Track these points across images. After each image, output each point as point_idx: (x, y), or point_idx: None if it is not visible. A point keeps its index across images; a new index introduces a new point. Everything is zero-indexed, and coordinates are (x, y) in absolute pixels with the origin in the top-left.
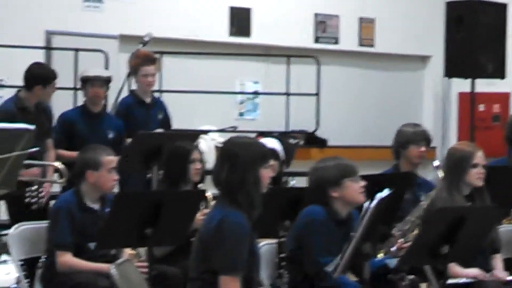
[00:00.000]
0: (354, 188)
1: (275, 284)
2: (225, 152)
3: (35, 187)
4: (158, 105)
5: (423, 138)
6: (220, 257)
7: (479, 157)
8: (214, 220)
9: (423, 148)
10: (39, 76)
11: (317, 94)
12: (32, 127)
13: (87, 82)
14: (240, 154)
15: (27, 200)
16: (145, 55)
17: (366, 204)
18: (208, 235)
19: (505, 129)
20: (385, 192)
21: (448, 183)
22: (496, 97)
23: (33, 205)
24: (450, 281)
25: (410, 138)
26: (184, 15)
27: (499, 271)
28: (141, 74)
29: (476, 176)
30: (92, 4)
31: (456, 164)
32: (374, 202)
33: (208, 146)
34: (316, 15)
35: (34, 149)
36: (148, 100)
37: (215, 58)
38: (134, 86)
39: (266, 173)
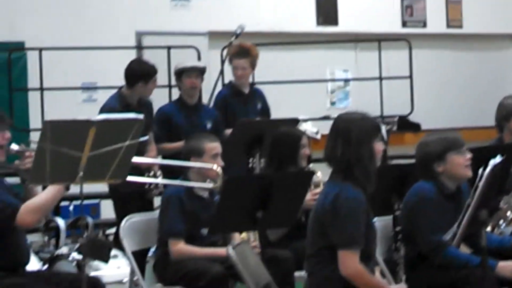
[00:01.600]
0: (459, 162)
1: (392, 258)
2: (337, 128)
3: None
4: (256, 95)
5: None
6: (338, 232)
7: None
8: (329, 196)
9: None
10: (141, 73)
11: (410, 77)
12: (141, 116)
13: (182, 73)
14: (353, 129)
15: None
16: (237, 47)
17: (480, 170)
18: (324, 211)
19: None
20: (498, 158)
21: None
22: None
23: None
24: None
25: None
26: (270, 7)
27: None
28: (233, 66)
29: None
30: (180, 2)
31: None
32: (488, 168)
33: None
34: None
35: (144, 138)
36: (246, 90)
37: (303, 48)
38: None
39: (379, 146)
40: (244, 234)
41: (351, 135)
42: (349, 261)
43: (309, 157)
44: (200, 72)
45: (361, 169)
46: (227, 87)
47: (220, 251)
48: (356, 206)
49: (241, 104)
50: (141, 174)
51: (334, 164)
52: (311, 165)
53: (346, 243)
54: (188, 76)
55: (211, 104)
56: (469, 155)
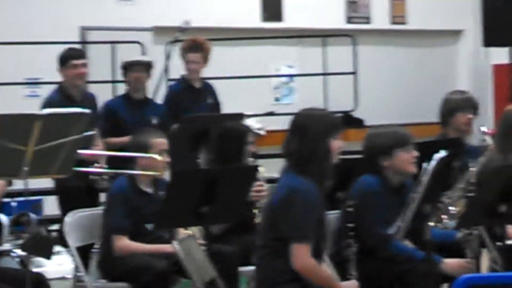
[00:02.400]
0: (405, 158)
1: (341, 253)
2: (295, 123)
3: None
4: (208, 90)
5: (471, 105)
6: (290, 225)
7: None
8: (284, 188)
9: (470, 115)
10: (60, 57)
11: (354, 73)
12: (87, 111)
13: (128, 68)
14: (310, 126)
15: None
16: (192, 42)
17: (424, 165)
18: (278, 204)
19: None
20: (442, 152)
21: (501, 144)
22: None
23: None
24: (509, 242)
25: (458, 106)
26: (216, 3)
27: None
28: (186, 60)
29: None
30: None
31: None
32: (433, 162)
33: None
34: None
35: (89, 133)
36: (197, 85)
37: (248, 44)
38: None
39: (337, 144)
40: (189, 229)
41: (308, 131)
42: (301, 254)
43: (253, 153)
44: (145, 66)
45: (316, 165)
46: (179, 82)
47: (164, 247)
48: (311, 200)
49: (193, 99)
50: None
51: (291, 158)
52: (254, 160)
53: (299, 236)
54: (134, 70)
55: (162, 98)
56: (415, 153)
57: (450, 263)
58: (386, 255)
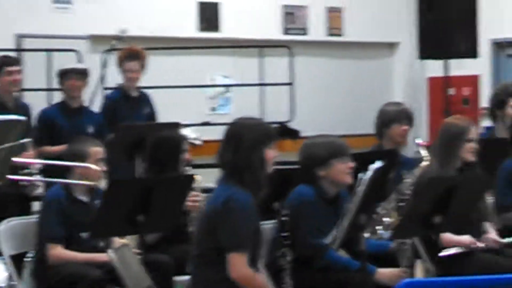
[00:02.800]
0: (341, 169)
1: (276, 263)
2: (230, 133)
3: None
4: (144, 99)
5: (406, 116)
6: (227, 234)
7: (474, 132)
8: (220, 198)
9: (405, 127)
10: None
11: (291, 84)
12: (23, 118)
13: (63, 76)
14: (245, 135)
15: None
16: (129, 51)
17: (360, 175)
18: (214, 213)
19: (489, 103)
20: (378, 163)
21: (440, 156)
22: (466, 80)
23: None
24: (442, 253)
25: (393, 117)
26: (152, 12)
27: (491, 234)
28: (124, 69)
29: (470, 151)
30: (61, 5)
31: (451, 139)
32: (369, 173)
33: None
34: (284, 6)
35: (25, 141)
36: (134, 94)
37: (185, 54)
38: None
39: (272, 153)
40: (124, 238)
41: (242, 141)
42: (238, 264)
43: (188, 163)
44: (81, 74)
45: (251, 175)
46: (116, 91)
47: (99, 256)
48: (246, 209)
49: (130, 108)
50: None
51: (225, 168)
52: (190, 170)
53: (236, 246)
54: (70, 78)
55: (98, 107)
56: (351, 163)
57: (384, 273)
58: (320, 265)
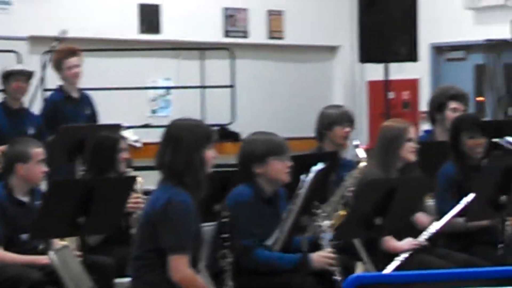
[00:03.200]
0: (279, 167)
1: (217, 264)
2: (168, 134)
3: None
4: (85, 100)
5: (348, 119)
6: (168, 236)
7: (413, 132)
8: (160, 199)
9: (347, 129)
10: None
11: (232, 86)
12: None
13: (9, 77)
14: (184, 136)
15: None
16: (67, 48)
17: (302, 177)
18: (154, 215)
19: (428, 107)
20: (320, 165)
21: (381, 159)
22: (406, 83)
23: None
24: (393, 263)
25: (335, 119)
26: (93, 13)
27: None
28: (66, 67)
29: (410, 150)
30: (1, 6)
31: (392, 139)
32: (311, 175)
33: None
34: (225, 9)
35: None
36: (75, 95)
37: (125, 56)
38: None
39: (211, 154)
40: (65, 240)
41: (181, 142)
42: (179, 266)
43: (129, 162)
44: (27, 76)
45: (190, 176)
46: (58, 92)
47: (39, 258)
48: (187, 211)
49: (71, 109)
50: None
51: (165, 170)
52: (130, 171)
53: (177, 248)
54: (16, 79)
55: (39, 109)
56: (289, 163)
57: (318, 256)
58: (249, 266)
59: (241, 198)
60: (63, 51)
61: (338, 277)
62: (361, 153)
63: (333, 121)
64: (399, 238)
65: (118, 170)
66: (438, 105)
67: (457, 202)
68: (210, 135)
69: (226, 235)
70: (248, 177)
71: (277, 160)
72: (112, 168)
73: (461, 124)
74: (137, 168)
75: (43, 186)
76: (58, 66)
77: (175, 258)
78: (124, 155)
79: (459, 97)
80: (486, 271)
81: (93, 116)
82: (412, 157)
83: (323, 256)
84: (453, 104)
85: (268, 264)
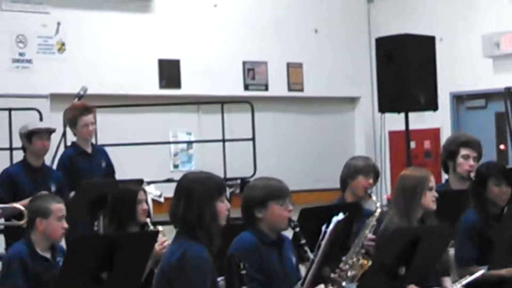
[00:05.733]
0: (278, 213)
1: None
2: (180, 187)
3: None
4: (100, 153)
5: (373, 170)
6: None
7: (433, 180)
8: (175, 254)
9: (371, 180)
10: None
11: (253, 139)
12: None
13: (34, 134)
14: (195, 189)
15: None
16: (82, 106)
17: (323, 228)
18: (170, 270)
19: (441, 155)
20: (341, 215)
21: (402, 208)
22: (427, 133)
23: None
24: None
25: (360, 169)
26: (113, 70)
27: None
28: (81, 124)
29: (431, 199)
30: (21, 64)
31: (412, 189)
32: (331, 225)
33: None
34: (244, 62)
35: None
36: (89, 150)
37: (146, 111)
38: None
39: (223, 206)
40: None
41: (193, 195)
42: None
43: (149, 213)
44: (50, 134)
45: (203, 229)
46: (71, 148)
47: None
48: (202, 264)
49: (87, 163)
50: None
51: (178, 224)
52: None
53: None
54: (40, 137)
55: (55, 166)
56: (290, 207)
57: None
58: None
59: (244, 243)
60: (78, 109)
61: None
62: (376, 201)
63: (358, 170)
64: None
65: (138, 222)
66: (449, 152)
67: (478, 250)
68: (222, 187)
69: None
70: (250, 223)
71: (277, 205)
72: (132, 219)
73: (488, 171)
74: (160, 223)
75: (63, 242)
76: (73, 123)
77: None
78: (144, 206)
79: (470, 143)
80: None
81: (109, 168)
82: (433, 206)
83: None
84: (464, 151)
85: None
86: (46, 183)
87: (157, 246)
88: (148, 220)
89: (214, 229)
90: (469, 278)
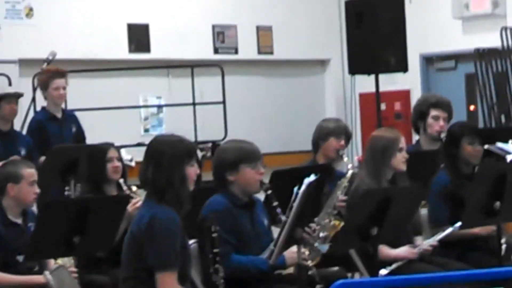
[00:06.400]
0: (250, 175)
1: (211, 279)
2: (150, 150)
3: None
4: (70, 119)
5: (344, 132)
6: (154, 254)
7: (403, 142)
8: (144, 218)
9: (342, 142)
10: None
11: (223, 102)
12: None
13: (2, 99)
14: (165, 152)
15: None
16: (55, 69)
17: (295, 189)
18: (140, 233)
19: (411, 116)
20: (312, 177)
21: (372, 169)
22: (397, 95)
23: None
24: (383, 271)
25: (332, 131)
26: (82, 35)
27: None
28: (52, 87)
29: (401, 160)
30: None
31: (383, 150)
32: (303, 187)
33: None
34: (214, 26)
35: None
36: (59, 115)
37: (116, 75)
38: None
39: (193, 170)
40: (60, 260)
41: (163, 158)
42: (167, 283)
43: (124, 173)
44: (17, 98)
45: (172, 193)
46: (41, 112)
47: (36, 278)
48: (172, 228)
49: (56, 128)
50: None
51: (148, 187)
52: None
53: (163, 265)
54: (8, 102)
55: (25, 130)
56: (262, 170)
57: (286, 254)
58: (226, 273)
59: (216, 207)
60: (50, 72)
61: (314, 272)
62: (348, 162)
63: (329, 132)
64: (394, 247)
65: (111, 180)
66: (420, 113)
67: (450, 210)
68: (192, 151)
69: (217, 250)
70: (222, 186)
71: (249, 168)
72: (104, 178)
73: (461, 130)
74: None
75: (35, 207)
76: (44, 86)
77: (162, 276)
78: (115, 163)
79: (440, 104)
80: (471, 273)
81: (79, 134)
82: (403, 167)
83: (294, 252)
84: (434, 112)
85: (243, 268)
86: (15, 147)
87: (129, 207)
88: (121, 180)
89: (183, 192)
90: (442, 234)
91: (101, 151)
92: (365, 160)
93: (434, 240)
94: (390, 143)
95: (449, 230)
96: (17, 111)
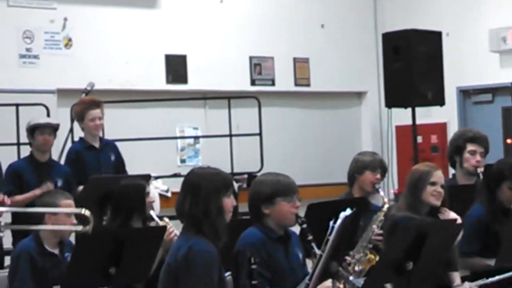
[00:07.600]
0: (286, 209)
1: None
2: (187, 183)
3: None
4: (109, 147)
5: (380, 165)
6: (190, 286)
7: (437, 176)
8: (181, 249)
9: (378, 175)
10: None
11: (260, 134)
12: None
13: (36, 130)
14: (202, 185)
15: None
16: (90, 100)
17: (331, 223)
18: (177, 265)
19: (448, 150)
20: (348, 211)
21: (407, 202)
22: (434, 127)
23: None
24: None
25: (368, 164)
26: (120, 65)
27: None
28: (88, 118)
29: (432, 194)
30: (28, 59)
31: (415, 183)
32: (339, 221)
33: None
34: (251, 57)
35: None
36: (96, 144)
37: (153, 106)
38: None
39: (229, 202)
40: None
41: (200, 190)
42: None
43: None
44: (53, 129)
45: (209, 225)
46: (78, 143)
47: None
48: (209, 259)
49: (94, 157)
50: None
51: (184, 219)
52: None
53: None
54: (41, 132)
55: (63, 161)
56: (298, 204)
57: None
58: None
59: (251, 239)
60: (85, 103)
61: None
62: (383, 196)
63: (365, 165)
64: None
65: (146, 214)
66: (456, 148)
67: (483, 243)
68: (229, 183)
69: (255, 282)
70: (257, 218)
71: (285, 201)
72: (142, 213)
73: (506, 173)
74: (168, 219)
75: (72, 237)
76: (81, 117)
77: None
78: (150, 199)
79: (477, 139)
80: None
81: (119, 162)
82: (434, 201)
83: (329, 286)
84: (471, 147)
85: None
86: (51, 177)
87: (165, 236)
88: (152, 212)
89: (220, 224)
90: (486, 281)
91: (139, 187)
92: (403, 192)
93: (475, 284)
94: (423, 175)
95: (495, 278)
96: (51, 141)
